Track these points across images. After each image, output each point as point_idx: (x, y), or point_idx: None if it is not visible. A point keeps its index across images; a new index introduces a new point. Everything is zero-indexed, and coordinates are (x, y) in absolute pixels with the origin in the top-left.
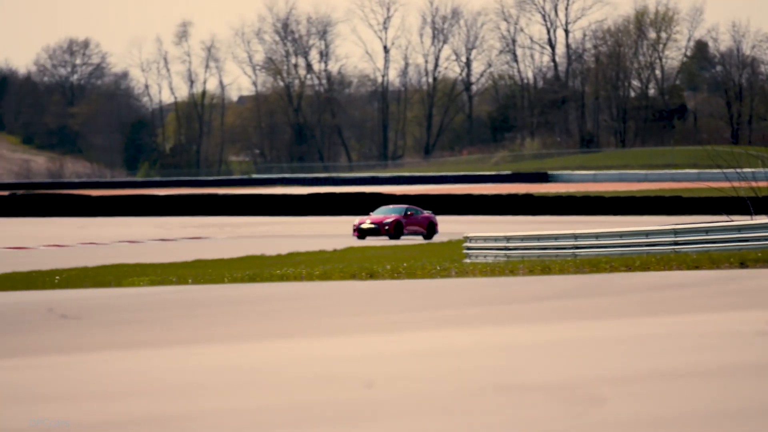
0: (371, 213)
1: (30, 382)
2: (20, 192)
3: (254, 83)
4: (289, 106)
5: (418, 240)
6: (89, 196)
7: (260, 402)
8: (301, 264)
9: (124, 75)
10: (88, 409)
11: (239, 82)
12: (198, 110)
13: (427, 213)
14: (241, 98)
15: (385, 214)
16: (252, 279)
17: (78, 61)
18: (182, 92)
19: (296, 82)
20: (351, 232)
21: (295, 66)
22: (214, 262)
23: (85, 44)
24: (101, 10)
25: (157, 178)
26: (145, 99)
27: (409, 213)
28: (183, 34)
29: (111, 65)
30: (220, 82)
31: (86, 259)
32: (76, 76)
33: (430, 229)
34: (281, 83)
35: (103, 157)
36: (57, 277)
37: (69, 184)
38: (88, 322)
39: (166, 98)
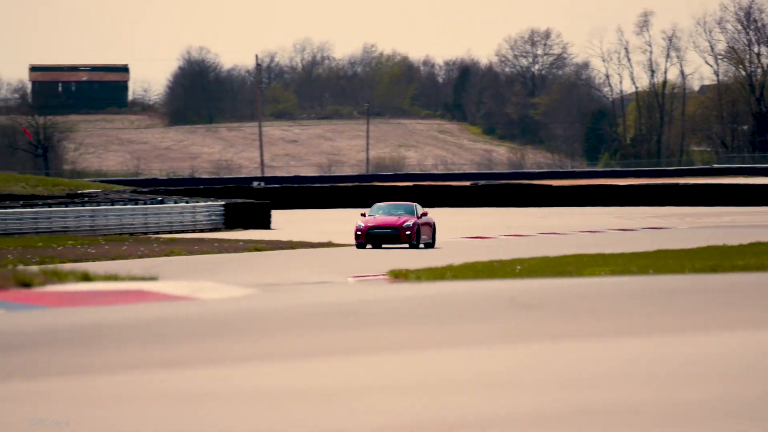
0: (366, 213)
1: (496, 371)
2: (481, 182)
3: (716, 72)
4: (751, 96)
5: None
6: (549, 186)
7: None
8: (764, 254)
9: (585, 65)
10: (556, 396)
11: (701, 71)
12: (659, 100)
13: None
14: (703, 87)
15: (393, 214)
16: (713, 270)
17: (539, 52)
18: (643, 82)
19: (758, 71)
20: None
21: (758, 55)
22: (675, 252)
23: (547, 34)
24: (563, 0)
25: (617, 168)
26: (606, 89)
27: (422, 213)
28: (644, 24)
29: (572, 55)
30: (681, 72)
31: (547, 248)
32: (537, 67)
33: (434, 235)
34: (743, 72)
35: (564, 147)
36: (518, 267)
37: (529, 174)
38: (549, 311)
39: (627, 88)
